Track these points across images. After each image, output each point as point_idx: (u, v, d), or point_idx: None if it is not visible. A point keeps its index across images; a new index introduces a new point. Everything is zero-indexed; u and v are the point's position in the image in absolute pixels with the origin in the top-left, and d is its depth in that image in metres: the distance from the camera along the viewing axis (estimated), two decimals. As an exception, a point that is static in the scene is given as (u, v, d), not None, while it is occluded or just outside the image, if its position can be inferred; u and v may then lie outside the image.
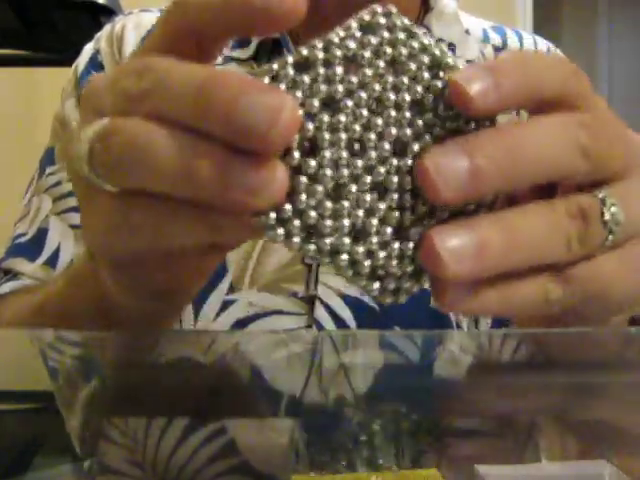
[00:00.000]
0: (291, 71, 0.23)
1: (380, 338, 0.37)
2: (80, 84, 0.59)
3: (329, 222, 0.23)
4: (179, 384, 0.27)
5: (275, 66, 0.23)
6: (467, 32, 0.61)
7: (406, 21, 0.25)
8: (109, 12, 1.15)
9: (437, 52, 0.25)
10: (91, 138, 0.25)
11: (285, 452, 0.21)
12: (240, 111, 0.21)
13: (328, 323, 0.50)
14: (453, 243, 0.23)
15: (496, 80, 0.24)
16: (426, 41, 0.25)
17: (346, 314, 0.50)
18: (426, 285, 0.26)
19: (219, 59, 0.59)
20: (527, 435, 0.24)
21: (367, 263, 0.24)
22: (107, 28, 0.62)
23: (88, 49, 0.61)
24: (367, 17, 0.25)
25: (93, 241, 0.28)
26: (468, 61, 0.58)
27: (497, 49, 0.63)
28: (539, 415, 0.26)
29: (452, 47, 0.59)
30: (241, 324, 0.50)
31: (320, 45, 0.24)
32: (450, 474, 0.19)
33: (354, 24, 0.25)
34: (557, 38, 4.04)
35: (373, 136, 0.24)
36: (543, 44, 0.65)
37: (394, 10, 0.25)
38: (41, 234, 0.56)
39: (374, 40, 0.25)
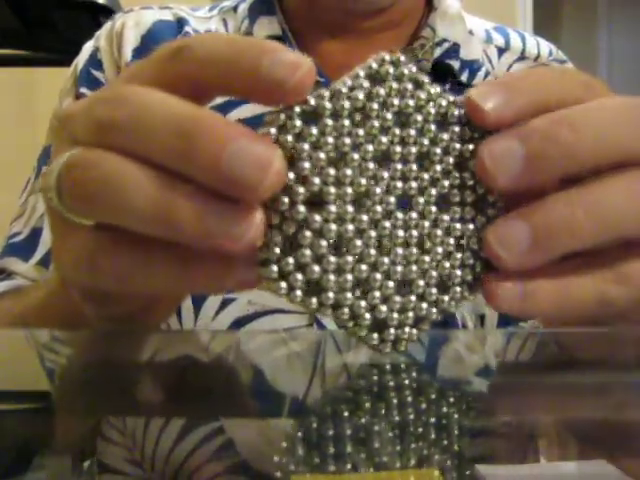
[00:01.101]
0: (298, 122, 0.23)
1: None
2: (79, 82, 0.59)
3: (332, 277, 0.23)
4: (178, 383, 0.27)
5: (282, 116, 0.23)
6: (470, 32, 0.61)
7: (413, 69, 0.25)
8: (109, 12, 1.15)
9: (443, 102, 0.25)
10: (60, 168, 0.24)
11: (285, 452, 0.21)
12: (227, 161, 0.21)
13: (330, 322, 0.50)
14: (506, 234, 0.24)
15: (509, 95, 0.24)
16: (433, 90, 0.25)
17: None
18: (425, 327, 0.26)
19: None
20: (527, 435, 0.24)
21: (368, 316, 0.24)
22: (107, 26, 0.62)
23: (88, 47, 0.61)
24: (375, 66, 0.25)
25: (62, 272, 0.28)
26: (471, 61, 0.59)
27: (500, 50, 0.63)
28: (539, 415, 0.26)
29: (456, 46, 0.59)
30: (241, 323, 0.49)
31: (327, 94, 0.24)
32: (450, 474, 0.19)
33: (362, 73, 0.24)
34: (557, 38, 4.04)
35: (379, 190, 0.24)
36: (545, 45, 0.65)
37: (402, 58, 0.25)
38: (35, 234, 0.56)
39: (382, 91, 0.24)
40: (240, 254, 0.22)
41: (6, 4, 1.16)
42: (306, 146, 0.23)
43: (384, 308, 0.24)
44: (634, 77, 4.01)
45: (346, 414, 0.23)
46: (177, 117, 0.22)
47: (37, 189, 0.58)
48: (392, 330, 0.25)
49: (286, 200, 0.22)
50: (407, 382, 0.28)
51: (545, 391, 0.28)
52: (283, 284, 0.23)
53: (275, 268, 0.23)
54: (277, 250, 0.23)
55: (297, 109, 0.23)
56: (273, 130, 0.23)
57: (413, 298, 0.25)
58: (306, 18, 0.59)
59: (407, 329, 0.25)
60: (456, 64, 0.58)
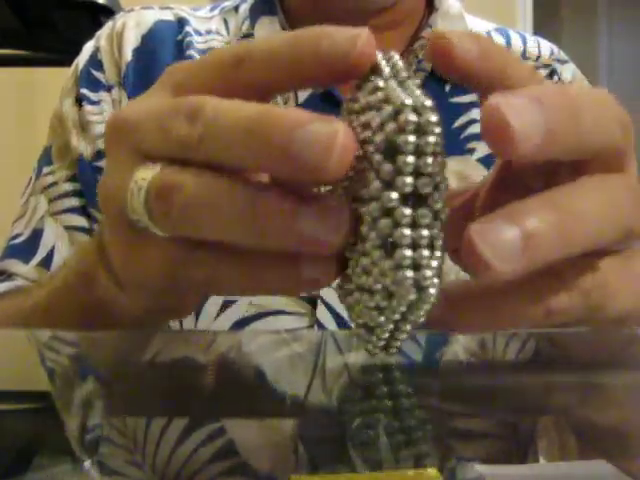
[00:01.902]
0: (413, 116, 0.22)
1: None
2: (80, 82, 0.59)
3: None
4: (179, 384, 0.27)
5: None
6: None
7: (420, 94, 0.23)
8: (109, 12, 1.15)
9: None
10: (147, 188, 0.24)
11: (285, 452, 0.21)
12: (295, 146, 0.21)
13: (330, 323, 0.50)
14: (495, 238, 0.21)
15: (547, 119, 0.21)
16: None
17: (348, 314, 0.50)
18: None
19: None
20: (527, 435, 0.24)
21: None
22: (108, 26, 0.62)
23: (88, 47, 0.61)
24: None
25: (137, 280, 0.27)
26: None
27: None
28: (539, 415, 0.26)
29: None
30: (242, 324, 0.49)
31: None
32: (450, 474, 0.19)
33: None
34: (557, 38, 4.03)
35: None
36: (546, 46, 0.65)
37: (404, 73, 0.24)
38: (36, 235, 0.56)
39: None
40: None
41: (6, 4, 1.16)
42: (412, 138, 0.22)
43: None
44: (634, 77, 4.01)
45: (346, 414, 0.23)
46: (247, 118, 0.22)
47: (38, 190, 0.58)
48: (387, 332, 0.24)
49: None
50: (407, 382, 0.28)
51: (545, 391, 0.28)
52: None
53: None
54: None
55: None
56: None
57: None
58: (308, 18, 0.59)
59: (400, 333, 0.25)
60: None
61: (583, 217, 0.23)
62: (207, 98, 0.24)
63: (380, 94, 0.22)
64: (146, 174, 0.24)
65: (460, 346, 0.35)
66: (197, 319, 0.50)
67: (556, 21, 4.08)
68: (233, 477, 0.20)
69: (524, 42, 0.64)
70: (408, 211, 0.22)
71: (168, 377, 0.29)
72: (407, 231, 0.22)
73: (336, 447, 0.21)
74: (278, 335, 0.40)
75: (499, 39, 0.64)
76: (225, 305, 0.50)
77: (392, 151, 0.22)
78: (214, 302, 0.50)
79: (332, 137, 0.21)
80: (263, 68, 0.24)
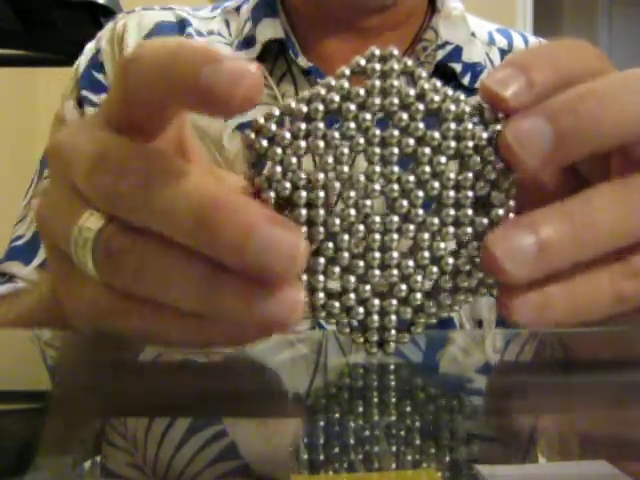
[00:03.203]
0: (273, 126, 0.23)
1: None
2: (80, 84, 0.59)
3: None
4: (181, 385, 0.27)
5: (260, 120, 0.23)
6: (473, 35, 0.61)
7: (408, 63, 0.24)
8: (109, 12, 1.15)
9: (436, 97, 0.24)
10: (93, 242, 0.23)
11: (286, 453, 0.21)
12: (252, 252, 0.20)
13: (332, 326, 0.50)
14: (512, 246, 0.22)
15: (527, 77, 0.23)
16: (426, 85, 0.24)
17: None
18: (419, 330, 0.25)
19: None
20: (527, 435, 0.24)
21: (360, 313, 0.24)
22: (109, 27, 0.62)
23: (89, 49, 0.61)
24: (362, 62, 0.24)
25: (74, 320, 0.27)
26: (473, 64, 0.59)
27: (503, 51, 0.63)
28: (539, 415, 0.26)
29: (458, 49, 0.59)
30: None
31: (307, 96, 0.23)
32: (450, 474, 0.19)
33: (347, 71, 0.24)
34: (557, 38, 4.01)
35: (353, 194, 0.23)
36: None
37: (394, 52, 0.24)
38: (37, 237, 0.56)
39: (362, 91, 0.24)
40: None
41: (7, 4, 1.16)
42: (278, 150, 0.23)
43: (361, 310, 0.24)
44: (634, 77, 4.00)
45: (346, 415, 0.23)
46: (194, 200, 0.21)
47: (40, 191, 0.58)
48: (375, 332, 0.25)
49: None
50: (406, 382, 0.28)
51: (545, 391, 0.28)
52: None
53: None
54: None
55: (276, 112, 0.23)
56: (264, 143, 0.22)
57: (394, 302, 0.24)
58: (310, 18, 0.60)
59: (393, 332, 0.25)
60: (458, 67, 0.58)
61: (596, 227, 0.23)
62: (138, 150, 0.22)
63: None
64: (91, 223, 0.23)
65: (458, 347, 0.35)
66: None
67: (556, 21, 4.08)
68: (234, 478, 0.20)
69: (526, 43, 0.64)
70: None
71: (169, 378, 0.29)
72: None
73: (337, 447, 0.21)
74: (280, 335, 0.40)
75: (501, 40, 0.64)
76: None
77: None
78: None
79: (295, 250, 0.20)
80: (143, 78, 0.23)
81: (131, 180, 0.22)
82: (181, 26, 0.61)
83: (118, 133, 0.24)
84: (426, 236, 0.24)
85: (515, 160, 0.23)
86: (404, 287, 0.24)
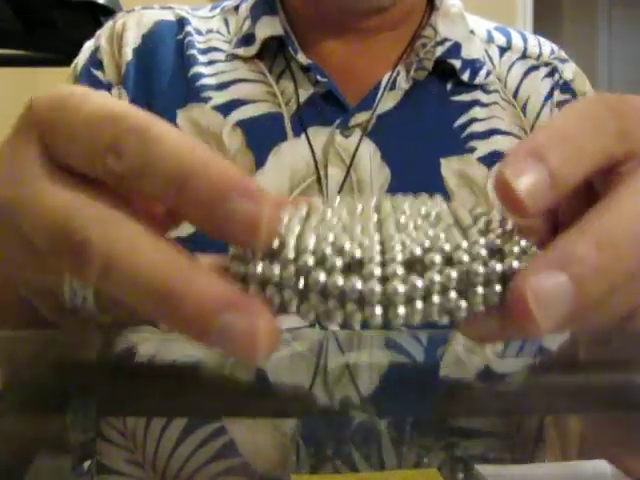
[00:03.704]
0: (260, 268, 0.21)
1: (386, 338, 0.37)
2: (79, 81, 0.59)
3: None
4: (179, 384, 0.27)
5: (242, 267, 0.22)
6: (472, 32, 0.62)
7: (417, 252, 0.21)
8: (109, 12, 1.15)
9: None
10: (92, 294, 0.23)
11: (285, 452, 0.21)
12: (216, 333, 0.19)
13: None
14: (544, 291, 0.20)
15: (548, 169, 0.21)
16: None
17: None
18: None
19: (221, 56, 0.60)
20: (527, 435, 0.24)
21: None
22: (108, 25, 0.62)
23: (88, 47, 0.61)
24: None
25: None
26: (473, 60, 0.59)
27: (502, 49, 0.63)
28: (539, 415, 0.26)
29: (457, 45, 0.59)
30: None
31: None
32: (450, 474, 0.19)
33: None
34: (557, 38, 4.03)
35: None
36: (547, 45, 0.65)
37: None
38: None
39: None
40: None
41: (7, 4, 1.16)
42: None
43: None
44: (634, 77, 4.01)
45: (345, 415, 0.23)
46: (153, 279, 0.20)
47: None
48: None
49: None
50: (406, 382, 0.28)
51: (545, 391, 0.28)
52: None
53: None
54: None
55: (258, 254, 0.21)
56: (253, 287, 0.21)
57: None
58: (309, 18, 0.60)
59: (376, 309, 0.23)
60: (457, 63, 0.58)
61: (623, 249, 0.21)
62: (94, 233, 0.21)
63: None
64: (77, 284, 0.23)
65: (460, 345, 0.35)
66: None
67: (556, 21, 4.08)
68: (234, 477, 0.20)
69: (525, 41, 0.64)
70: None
71: (168, 376, 0.29)
72: None
73: (337, 447, 0.21)
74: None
75: (499, 37, 0.64)
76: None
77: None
78: None
79: (256, 335, 0.20)
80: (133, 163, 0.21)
81: (95, 267, 0.21)
82: (180, 25, 0.61)
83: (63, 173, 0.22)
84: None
85: (528, 318, 0.20)
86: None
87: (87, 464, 0.26)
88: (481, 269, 0.21)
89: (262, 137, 0.55)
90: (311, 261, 0.21)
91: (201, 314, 0.19)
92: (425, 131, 0.57)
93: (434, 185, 0.55)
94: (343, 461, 0.19)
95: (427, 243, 0.21)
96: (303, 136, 0.55)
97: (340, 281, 0.20)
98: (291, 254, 0.21)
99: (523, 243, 0.22)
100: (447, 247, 0.21)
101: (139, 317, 0.23)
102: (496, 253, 0.21)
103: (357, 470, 0.19)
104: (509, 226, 0.22)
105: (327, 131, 0.56)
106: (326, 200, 0.26)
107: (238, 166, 0.54)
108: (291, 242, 0.21)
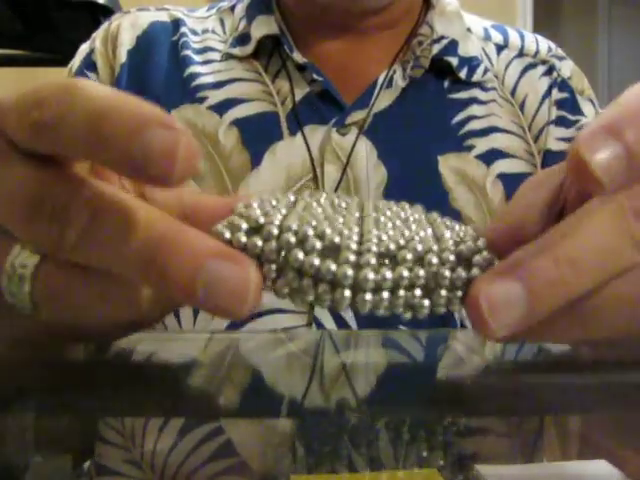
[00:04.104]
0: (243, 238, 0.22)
1: (384, 337, 0.37)
2: None
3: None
4: (176, 384, 0.27)
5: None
6: (468, 30, 0.62)
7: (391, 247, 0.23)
8: (109, 12, 1.15)
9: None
10: (30, 282, 0.22)
11: (284, 452, 0.21)
12: (202, 289, 0.19)
13: (328, 321, 0.50)
14: (500, 297, 0.20)
15: (624, 144, 0.21)
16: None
17: (347, 313, 0.50)
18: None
19: (217, 56, 0.59)
20: (527, 435, 0.24)
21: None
22: (103, 27, 0.62)
23: (83, 49, 0.61)
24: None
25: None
26: (470, 57, 0.60)
27: (499, 47, 0.63)
28: (539, 415, 0.26)
29: (454, 43, 0.59)
30: (239, 323, 0.49)
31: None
32: (450, 474, 0.19)
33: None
34: (557, 38, 4.02)
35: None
36: (544, 42, 0.65)
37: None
38: None
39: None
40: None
41: (6, 5, 1.16)
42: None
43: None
44: (634, 77, 4.00)
45: (345, 414, 0.23)
46: (141, 240, 0.20)
47: None
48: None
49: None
50: (406, 382, 0.28)
51: (546, 391, 0.28)
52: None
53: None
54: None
55: (243, 225, 0.22)
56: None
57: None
58: (304, 17, 0.60)
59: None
60: (454, 60, 0.58)
61: (582, 265, 0.21)
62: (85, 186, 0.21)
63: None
64: (24, 259, 0.22)
65: (461, 345, 0.35)
66: (195, 318, 0.50)
67: (556, 21, 4.08)
68: (231, 477, 0.20)
69: (522, 39, 0.64)
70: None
71: (165, 377, 0.29)
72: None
73: (336, 447, 0.21)
74: (275, 335, 0.40)
75: (496, 36, 0.64)
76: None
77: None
78: None
79: (245, 292, 0.20)
80: (70, 126, 0.20)
81: (77, 226, 0.21)
82: (175, 26, 0.61)
83: (28, 157, 0.22)
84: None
85: (483, 324, 0.21)
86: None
87: (86, 464, 0.26)
88: (447, 273, 0.23)
89: (258, 136, 0.55)
90: (293, 240, 0.22)
91: (192, 261, 0.19)
92: (422, 129, 0.57)
93: (432, 183, 0.55)
94: (342, 461, 0.19)
95: (402, 241, 0.23)
96: (299, 135, 0.55)
97: (317, 261, 0.22)
98: (275, 231, 0.22)
99: (489, 257, 0.23)
100: (419, 248, 0.23)
101: (73, 316, 0.23)
102: (463, 262, 0.23)
103: (356, 470, 0.19)
104: (480, 242, 0.23)
105: (323, 130, 0.56)
106: (313, 194, 0.27)
107: (234, 164, 0.54)
108: (276, 220, 0.22)
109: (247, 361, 0.32)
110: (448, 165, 0.56)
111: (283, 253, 0.22)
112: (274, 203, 0.24)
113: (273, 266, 0.22)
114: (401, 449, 0.20)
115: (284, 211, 0.24)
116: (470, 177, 0.56)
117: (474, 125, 0.58)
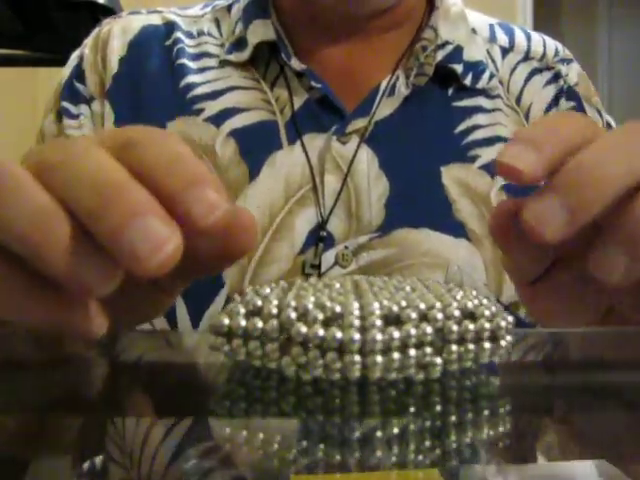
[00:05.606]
0: (243, 322, 0.23)
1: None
2: (62, 95, 0.57)
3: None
4: (171, 384, 0.27)
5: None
6: (473, 31, 0.60)
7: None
8: (109, 12, 1.15)
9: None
10: None
11: (284, 452, 0.21)
12: (127, 234, 0.21)
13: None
14: (540, 207, 0.25)
15: (537, 153, 0.26)
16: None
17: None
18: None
19: (214, 62, 0.57)
20: (527, 435, 0.24)
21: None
22: (94, 33, 0.60)
23: (73, 58, 0.59)
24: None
25: None
26: (475, 63, 0.58)
27: (504, 50, 0.62)
28: (540, 415, 0.26)
29: (459, 49, 0.57)
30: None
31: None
32: (450, 474, 0.19)
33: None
34: (557, 38, 4.01)
35: None
36: (551, 44, 0.64)
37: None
38: None
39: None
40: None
41: (6, 5, 1.16)
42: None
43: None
44: (634, 77, 4.01)
45: (345, 414, 0.23)
46: (100, 177, 0.22)
47: None
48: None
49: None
50: (406, 382, 0.28)
51: (546, 391, 0.28)
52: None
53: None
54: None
55: (242, 310, 0.23)
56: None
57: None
58: (303, 20, 0.58)
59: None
60: (459, 67, 0.57)
61: (608, 167, 0.26)
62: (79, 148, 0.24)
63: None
64: None
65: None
66: (193, 319, 0.50)
67: (556, 20, 4.08)
68: (232, 477, 0.20)
69: (528, 40, 0.63)
70: None
71: (160, 377, 0.29)
72: None
73: (336, 447, 0.21)
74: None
75: (502, 38, 0.63)
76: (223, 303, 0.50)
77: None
78: (211, 316, 0.50)
79: (163, 242, 0.21)
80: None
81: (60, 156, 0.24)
82: (169, 29, 0.59)
83: None
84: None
85: (535, 236, 0.25)
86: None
87: (87, 465, 0.26)
88: (455, 327, 0.23)
89: (256, 146, 0.53)
90: (293, 315, 0.22)
91: (125, 210, 0.21)
92: (425, 138, 0.55)
93: (434, 194, 0.53)
94: (342, 461, 0.19)
95: (403, 302, 0.23)
96: (298, 144, 0.53)
97: (321, 332, 0.22)
98: (274, 310, 0.23)
99: (494, 308, 0.24)
100: (422, 306, 0.23)
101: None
102: (468, 316, 0.24)
103: (356, 470, 0.19)
104: (484, 300, 0.24)
105: (323, 138, 0.54)
106: (305, 280, 0.28)
107: (231, 175, 0.52)
108: (274, 301, 0.23)
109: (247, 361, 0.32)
110: (451, 176, 0.54)
111: (284, 332, 0.22)
112: (267, 291, 0.25)
113: (275, 344, 0.22)
114: (401, 449, 0.20)
115: (280, 294, 0.24)
116: (474, 189, 0.54)
117: (478, 134, 0.56)
